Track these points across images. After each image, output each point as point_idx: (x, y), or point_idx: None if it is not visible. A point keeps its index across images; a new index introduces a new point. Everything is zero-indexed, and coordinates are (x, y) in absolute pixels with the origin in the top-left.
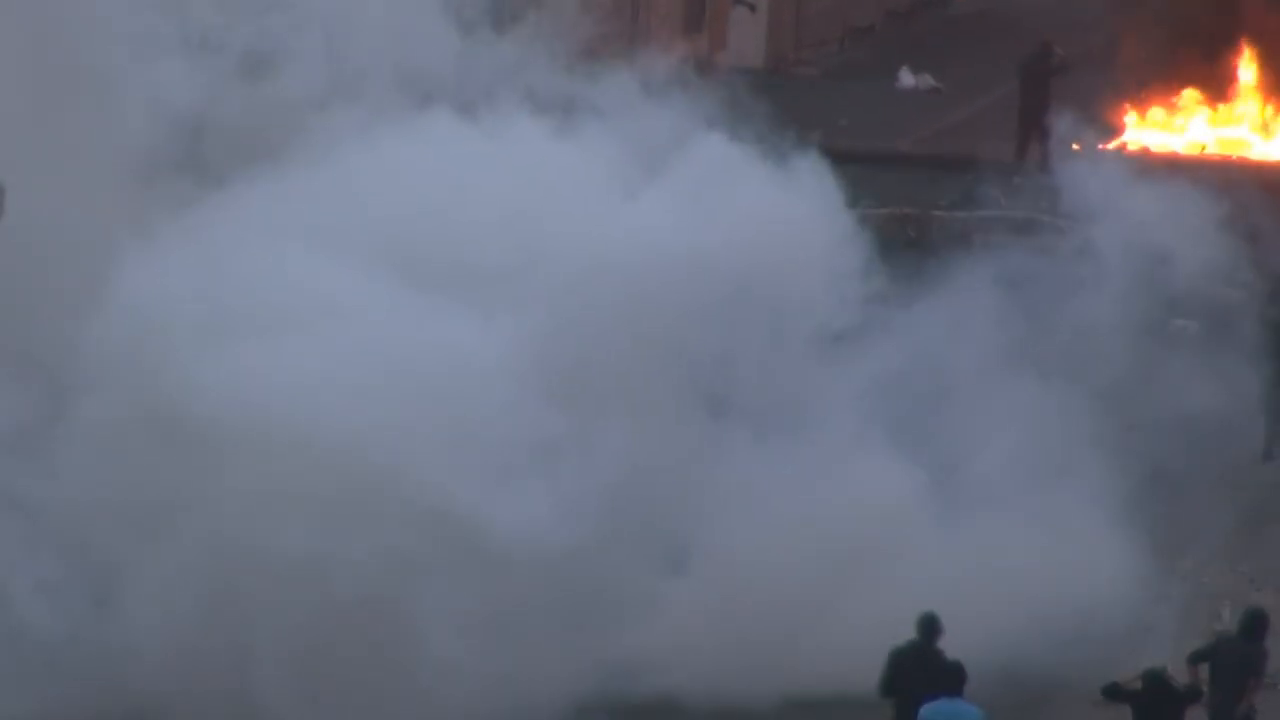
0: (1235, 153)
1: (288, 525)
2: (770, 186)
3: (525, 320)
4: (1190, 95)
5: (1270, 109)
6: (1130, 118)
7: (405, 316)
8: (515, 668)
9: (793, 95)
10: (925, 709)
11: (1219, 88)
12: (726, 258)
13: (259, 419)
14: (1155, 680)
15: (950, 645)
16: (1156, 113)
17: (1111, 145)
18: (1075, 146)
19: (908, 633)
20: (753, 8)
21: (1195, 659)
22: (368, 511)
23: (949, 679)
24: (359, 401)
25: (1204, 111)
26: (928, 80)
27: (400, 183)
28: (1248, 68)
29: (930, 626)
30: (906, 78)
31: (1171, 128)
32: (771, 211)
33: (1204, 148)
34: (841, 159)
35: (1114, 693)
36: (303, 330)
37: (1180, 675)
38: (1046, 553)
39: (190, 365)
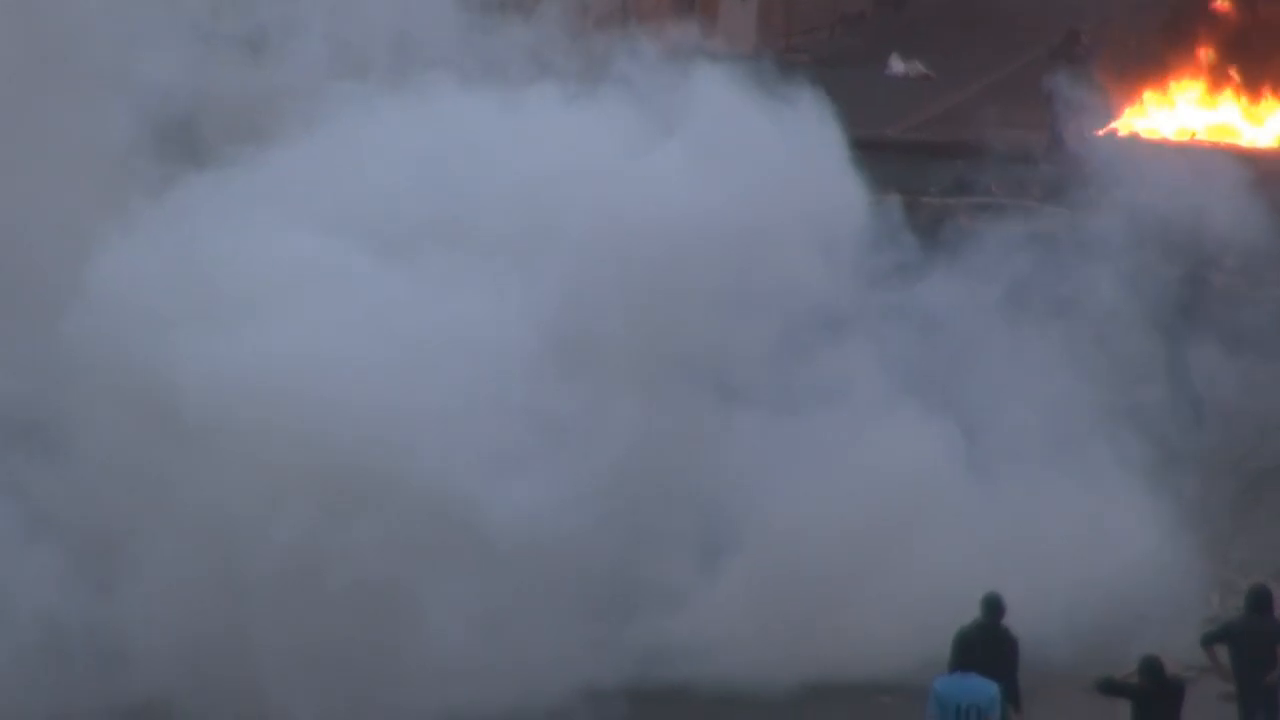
0: (1224, 139)
1: (284, 511)
2: (778, 138)
3: (533, 290)
4: (1180, 81)
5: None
6: (1122, 103)
7: (403, 291)
8: (525, 655)
9: (783, 82)
10: (939, 681)
11: (1208, 73)
12: (739, 215)
13: (251, 402)
14: (1152, 669)
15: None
16: (1147, 98)
17: (1102, 131)
18: (1048, 133)
19: (930, 618)
20: None
21: (1209, 640)
22: (367, 496)
23: (1012, 657)
24: (356, 382)
25: (1193, 98)
26: (918, 67)
27: (399, 154)
28: (1236, 54)
29: (994, 606)
30: (897, 65)
31: (1161, 113)
32: (781, 164)
33: (1193, 134)
34: None
35: (1110, 687)
36: (294, 310)
37: (1180, 660)
38: (1064, 537)
39: (177, 350)
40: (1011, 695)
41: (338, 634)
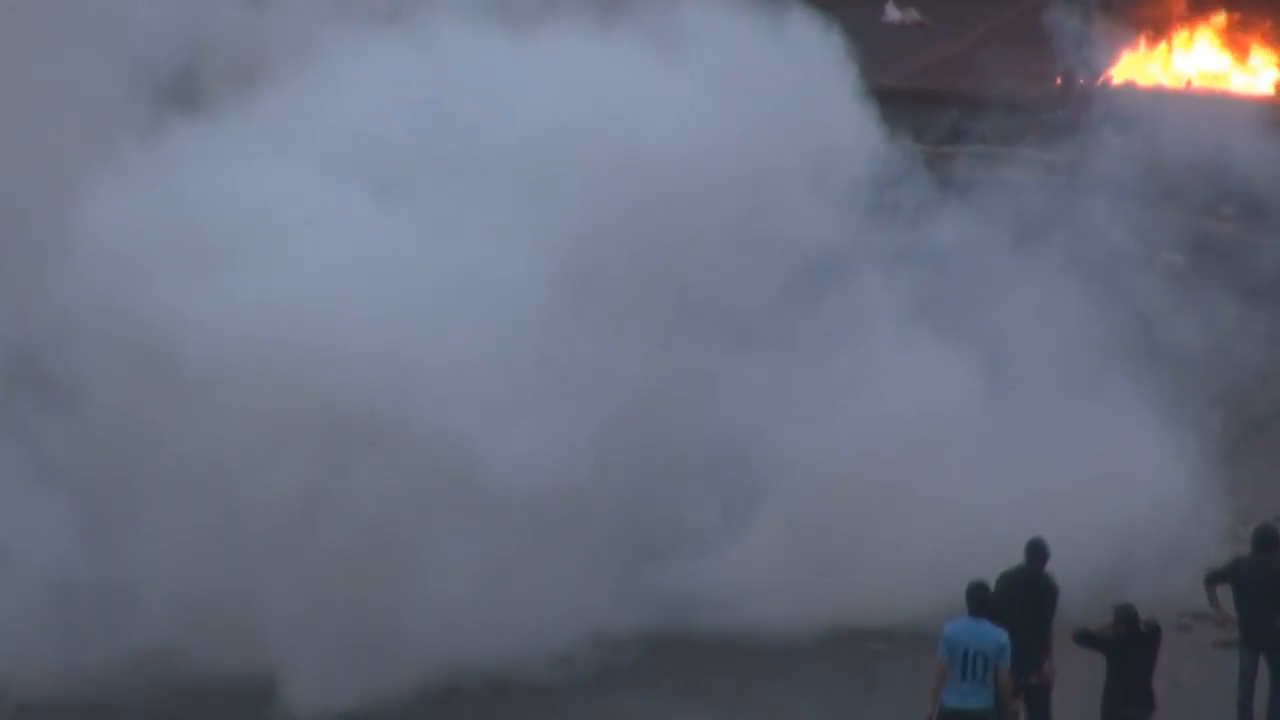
0: (1218, 86)
1: (283, 460)
2: (787, 70)
3: (539, 230)
4: (1175, 29)
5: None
6: (1117, 52)
7: (403, 235)
8: (528, 603)
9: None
10: (950, 626)
11: (1203, 21)
12: (749, 147)
13: (248, 350)
14: (1128, 616)
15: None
16: (1140, 47)
17: (1098, 81)
18: (1058, 81)
19: (936, 567)
20: None
21: (1214, 579)
22: (367, 445)
23: (1050, 605)
24: (355, 328)
25: (1186, 45)
26: (914, 14)
27: (400, 93)
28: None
29: (1038, 551)
30: (892, 12)
31: (1155, 62)
32: (790, 96)
33: (1189, 81)
34: None
35: (1085, 639)
36: (292, 255)
37: (1177, 607)
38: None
39: (173, 298)
40: (1044, 644)
41: (338, 584)
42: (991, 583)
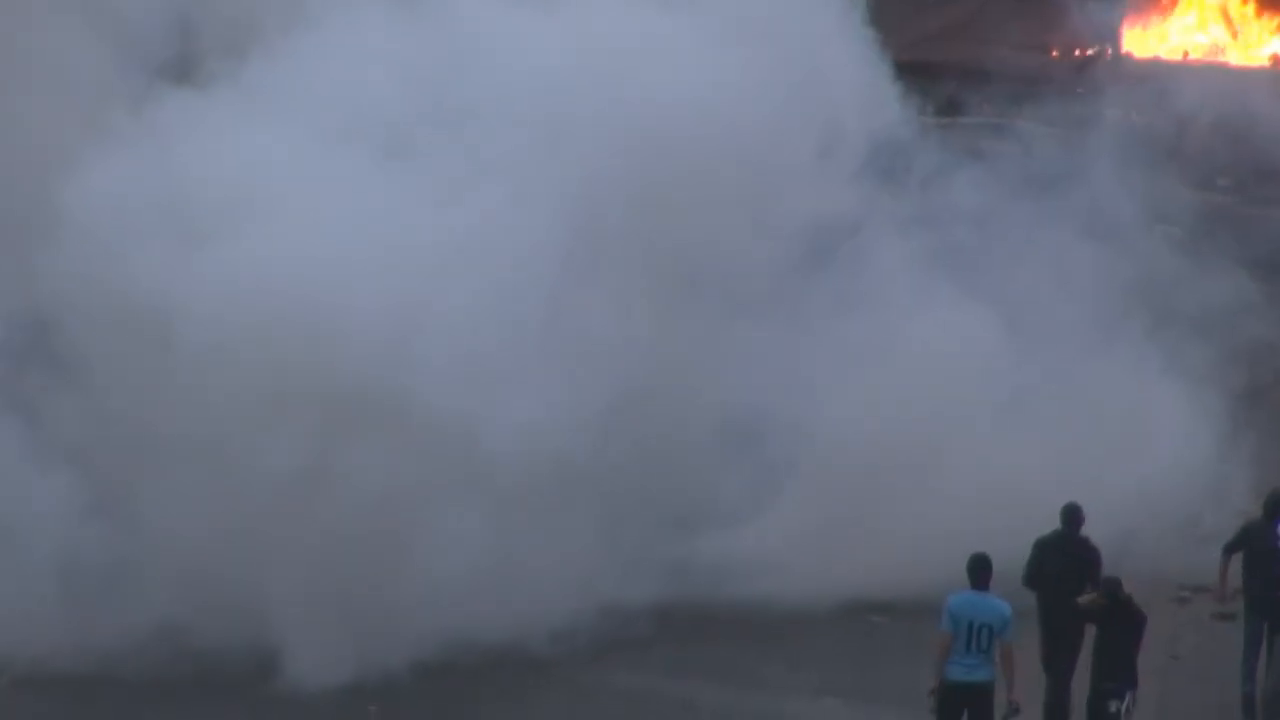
0: (1216, 57)
1: (283, 436)
2: (796, 23)
3: (543, 193)
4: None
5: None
6: (1117, 20)
7: (401, 203)
8: (531, 577)
9: None
10: (953, 598)
11: None
12: (758, 101)
13: (242, 324)
14: (1110, 588)
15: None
16: (1138, 20)
17: (1093, 52)
18: (1054, 54)
19: (955, 534)
20: None
21: (1231, 548)
22: (368, 420)
23: (1090, 567)
24: (355, 302)
25: (1184, 17)
26: None
27: (396, 54)
28: None
29: (1073, 515)
30: None
31: (1153, 34)
32: (799, 53)
33: (1186, 52)
34: None
35: (1074, 610)
36: (286, 225)
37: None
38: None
39: (169, 273)
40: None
41: (341, 559)
42: (990, 556)
